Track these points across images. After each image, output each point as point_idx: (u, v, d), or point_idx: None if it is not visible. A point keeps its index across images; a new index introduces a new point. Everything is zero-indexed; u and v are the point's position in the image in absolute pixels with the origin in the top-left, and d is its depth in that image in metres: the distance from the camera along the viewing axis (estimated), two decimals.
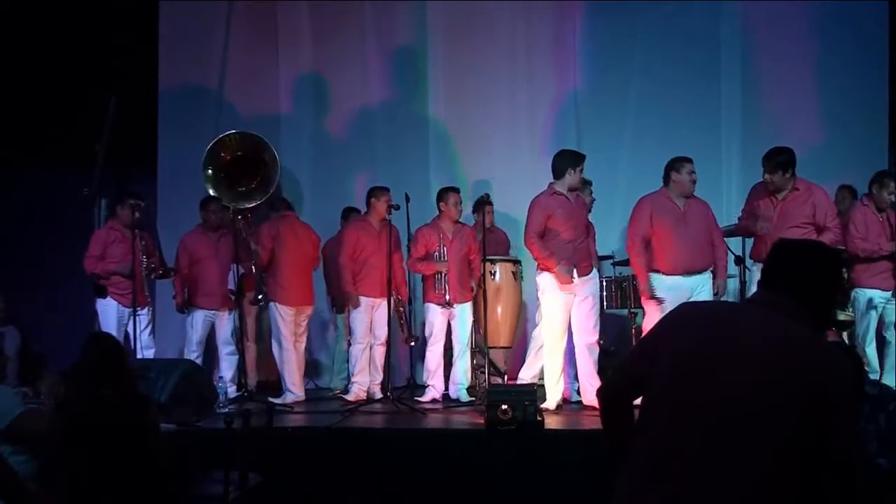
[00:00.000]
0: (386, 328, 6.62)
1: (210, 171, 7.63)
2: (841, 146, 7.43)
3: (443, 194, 6.74)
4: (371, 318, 6.73)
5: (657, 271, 5.95)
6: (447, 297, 6.57)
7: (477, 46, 8.11)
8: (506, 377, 6.80)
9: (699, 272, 5.92)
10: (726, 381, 2.05)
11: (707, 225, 6.01)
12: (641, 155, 7.45)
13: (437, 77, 8.15)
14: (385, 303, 6.56)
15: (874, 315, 6.19)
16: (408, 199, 6.62)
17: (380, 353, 6.73)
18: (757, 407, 2.01)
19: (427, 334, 6.73)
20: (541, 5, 8.11)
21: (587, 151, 7.66)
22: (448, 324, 6.72)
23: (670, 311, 2.35)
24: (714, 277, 5.96)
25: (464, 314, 6.69)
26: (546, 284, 6.02)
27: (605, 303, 6.80)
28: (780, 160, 5.88)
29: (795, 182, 5.94)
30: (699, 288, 5.88)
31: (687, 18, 7.84)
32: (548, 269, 5.97)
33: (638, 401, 2.28)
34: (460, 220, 6.90)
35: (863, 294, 6.20)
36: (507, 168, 7.80)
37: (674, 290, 5.82)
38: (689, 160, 5.99)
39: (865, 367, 5.71)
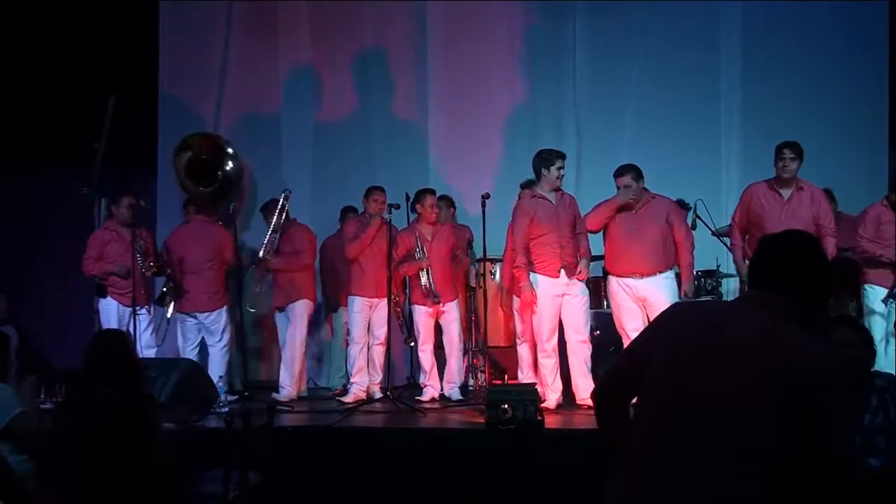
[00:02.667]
0: (385, 328, 6.62)
1: (186, 160, 7.70)
2: (841, 146, 7.42)
3: (418, 197, 6.64)
4: (369, 318, 6.73)
5: (609, 272, 6.17)
6: (434, 292, 6.49)
7: (476, 47, 8.11)
8: (506, 376, 6.80)
9: (650, 275, 5.96)
10: (717, 381, 2.04)
11: (661, 227, 6.00)
12: (641, 156, 7.42)
13: (436, 77, 8.15)
14: (384, 303, 6.56)
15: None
16: (408, 199, 6.62)
17: (379, 352, 6.72)
18: (748, 408, 1.99)
19: (416, 335, 6.72)
20: (540, 6, 8.11)
21: (587, 153, 7.62)
22: (437, 324, 6.69)
23: (662, 312, 2.33)
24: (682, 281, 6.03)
25: (451, 313, 6.65)
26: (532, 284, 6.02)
27: (604, 302, 6.80)
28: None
29: (798, 181, 5.94)
30: (647, 289, 5.94)
31: (686, 19, 7.83)
32: (517, 278, 6.03)
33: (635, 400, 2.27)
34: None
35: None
36: (506, 169, 7.79)
37: (625, 291, 6.01)
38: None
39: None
